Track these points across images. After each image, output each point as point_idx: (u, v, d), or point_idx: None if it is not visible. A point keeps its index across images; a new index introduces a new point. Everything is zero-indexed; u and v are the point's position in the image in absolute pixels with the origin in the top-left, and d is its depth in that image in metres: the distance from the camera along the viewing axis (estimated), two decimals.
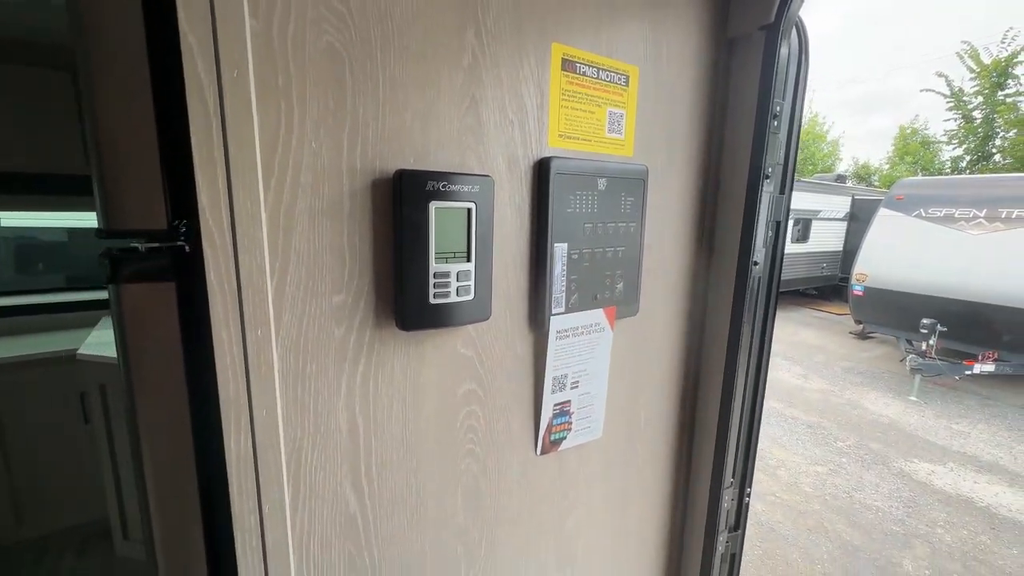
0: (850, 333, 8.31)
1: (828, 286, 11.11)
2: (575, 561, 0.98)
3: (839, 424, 4.75)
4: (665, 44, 0.87)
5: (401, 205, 0.62)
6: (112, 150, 0.54)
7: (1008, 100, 12.67)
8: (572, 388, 0.87)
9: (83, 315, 2.54)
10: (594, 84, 0.79)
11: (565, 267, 0.80)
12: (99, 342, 2.09)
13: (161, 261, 0.57)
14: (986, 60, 12.79)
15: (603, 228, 0.84)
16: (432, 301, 0.66)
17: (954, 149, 14.55)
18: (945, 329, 5.72)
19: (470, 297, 0.69)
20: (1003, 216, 5.81)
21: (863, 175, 21.32)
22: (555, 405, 0.86)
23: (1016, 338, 5.53)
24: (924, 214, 6.49)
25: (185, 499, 0.61)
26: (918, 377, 5.56)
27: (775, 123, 0.92)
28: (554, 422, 0.86)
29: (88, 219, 2.79)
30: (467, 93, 0.67)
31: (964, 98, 13.51)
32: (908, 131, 18.27)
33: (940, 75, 13.65)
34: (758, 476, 3.69)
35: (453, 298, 0.68)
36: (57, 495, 2.25)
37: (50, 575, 2.13)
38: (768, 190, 0.95)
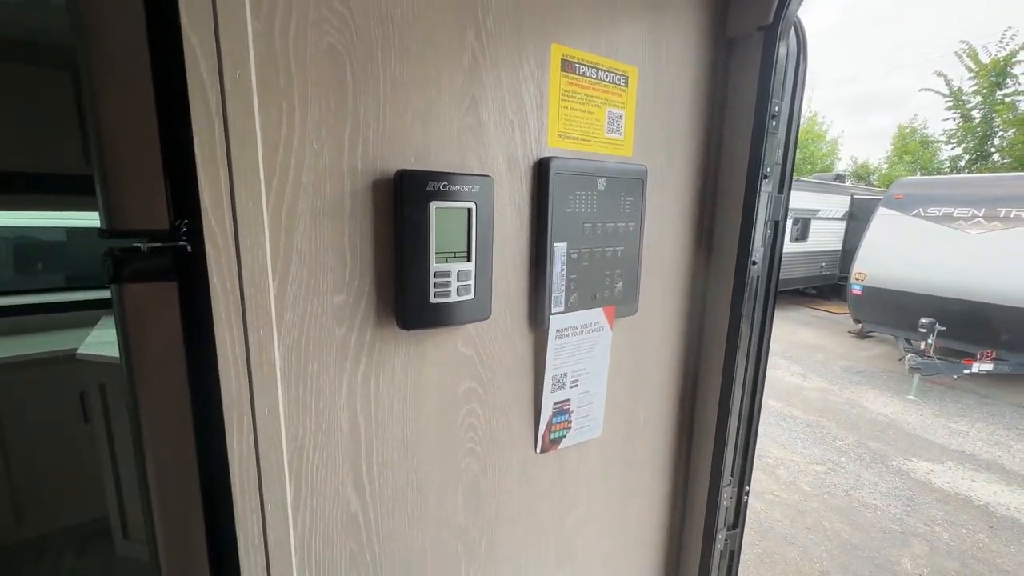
0: (849, 332, 8.32)
1: (827, 285, 11.12)
2: (575, 559, 0.99)
3: (838, 423, 4.76)
4: (664, 45, 0.87)
5: (402, 205, 0.62)
6: (114, 151, 0.55)
7: (1007, 99, 12.70)
8: (572, 387, 0.88)
9: (82, 315, 2.54)
10: (593, 84, 0.80)
11: (564, 266, 0.81)
12: (99, 342, 2.10)
13: (163, 261, 0.57)
14: (985, 60, 12.81)
15: (602, 228, 0.84)
16: (433, 300, 0.66)
17: (953, 148, 14.60)
18: (944, 328, 5.74)
19: (470, 296, 0.70)
20: (1001, 215, 5.82)
21: (862, 174, 21.34)
22: (555, 404, 0.86)
23: (1014, 337, 5.55)
24: (923, 213, 6.51)
25: (187, 498, 0.61)
26: (917, 376, 5.58)
27: (773, 123, 0.92)
28: (554, 420, 0.87)
29: (87, 219, 2.79)
30: (467, 93, 0.67)
31: (963, 97, 13.54)
32: (907, 130, 18.31)
33: (939, 74, 13.69)
34: (757, 475, 3.70)
35: (453, 297, 0.68)
36: (57, 495, 2.25)
37: (50, 574, 2.14)
38: (766, 190, 0.95)
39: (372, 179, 0.61)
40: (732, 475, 1.09)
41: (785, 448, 4.22)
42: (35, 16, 1.93)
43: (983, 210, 5.98)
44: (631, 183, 0.86)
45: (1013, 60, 12.42)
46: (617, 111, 0.84)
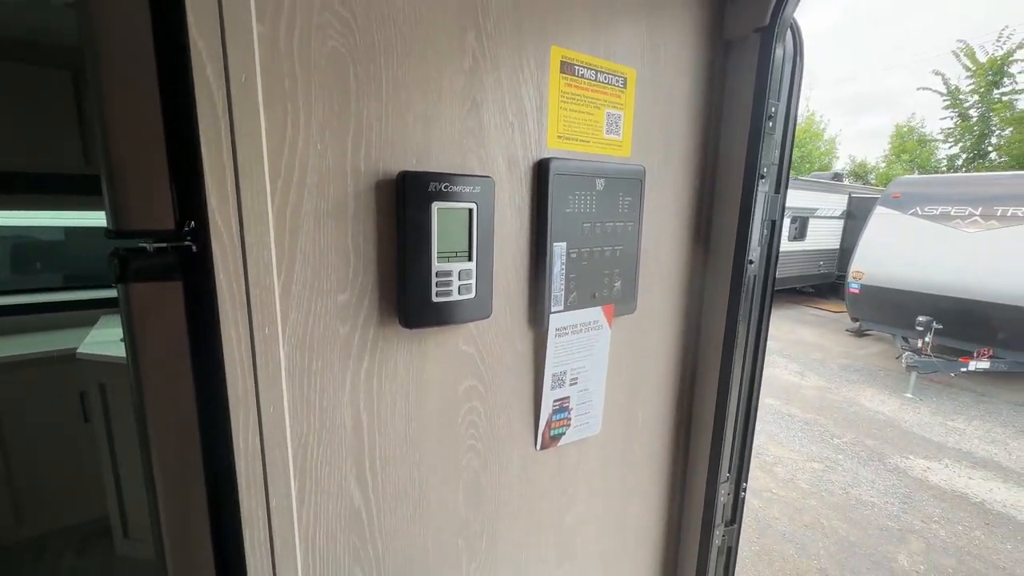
0: (847, 331, 8.35)
1: (825, 284, 11.15)
2: (574, 556, 1.00)
3: (836, 421, 4.78)
4: (662, 46, 0.88)
5: (404, 206, 0.63)
6: (120, 153, 0.55)
7: (1004, 98, 12.73)
8: (571, 384, 0.89)
9: (80, 314, 2.55)
10: (592, 86, 0.81)
11: (564, 266, 0.82)
12: (98, 341, 2.10)
13: (168, 261, 0.58)
14: (982, 59, 12.84)
15: (601, 227, 0.85)
16: (434, 299, 0.67)
17: (950, 147, 14.63)
18: (941, 326, 5.76)
19: (471, 295, 0.71)
20: (998, 214, 5.85)
21: (860, 173, 21.38)
22: (554, 401, 0.87)
23: (1011, 335, 5.57)
24: (920, 212, 6.53)
25: (193, 496, 0.62)
26: (914, 374, 5.60)
27: (770, 124, 0.93)
28: (553, 418, 0.88)
29: (85, 218, 2.79)
30: (468, 96, 0.68)
31: (960, 96, 13.57)
32: (905, 129, 18.33)
33: (937, 73, 13.71)
34: (755, 473, 3.72)
35: (455, 296, 0.69)
36: (57, 494, 2.25)
37: (50, 574, 2.14)
38: (763, 189, 0.96)
39: (375, 180, 0.62)
40: (729, 471, 1.10)
41: (783, 446, 4.24)
42: (35, 16, 1.93)
43: (980, 209, 6.00)
44: (629, 183, 0.87)
45: (1010, 59, 12.45)
46: (616, 112, 0.85)
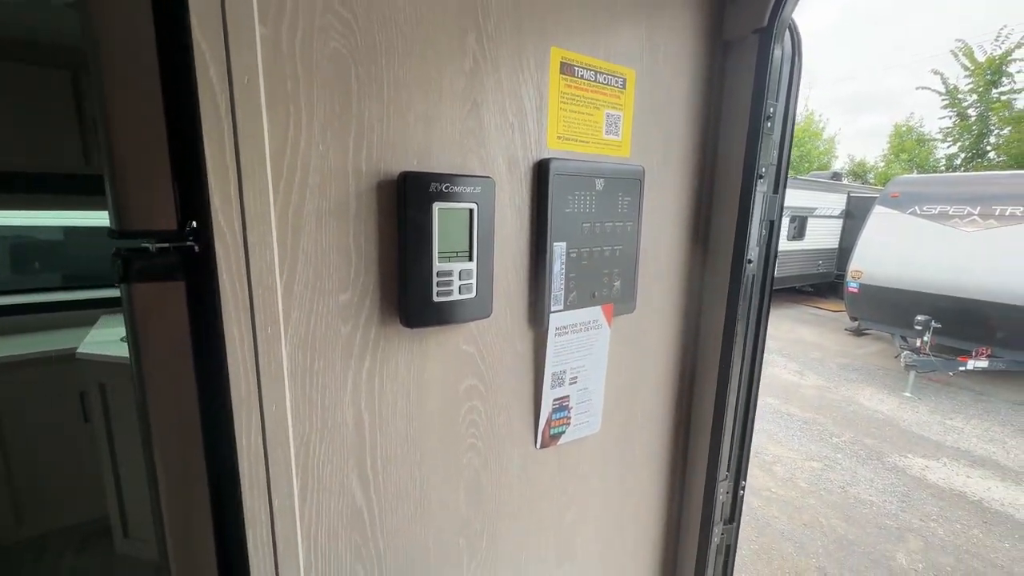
0: (845, 330, 8.36)
1: (824, 283, 11.17)
2: (574, 555, 1.00)
3: (835, 420, 4.79)
4: (661, 47, 0.88)
5: (405, 206, 0.63)
6: (123, 153, 0.56)
7: (1002, 97, 12.76)
8: (571, 383, 0.89)
9: (80, 314, 2.55)
10: (592, 87, 0.81)
11: (564, 266, 0.82)
12: (98, 341, 2.10)
13: (171, 261, 0.58)
14: (980, 58, 12.86)
15: (601, 227, 0.86)
16: (435, 299, 0.68)
17: (949, 147, 14.65)
18: (939, 325, 5.78)
19: (472, 295, 0.71)
20: (997, 213, 5.86)
21: (859, 172, 21.41)
22: (554, 400, 0.88)
23: (1009, 334, 5.59)
24: (919, 211, 6.54)
25: (195, 495, 0.63)
26: (912, 373, 5.61)
27: (768, 124, 0.94)
28: (553, 416, 0.88)
29: (84, 218, 2.79)
30: (468, 97, 0.68)
31: (959, 96, 13.59)
32: (903, 129, 18.35)
33: (936, 72, 13.73)
34: (754, 472, 3.73)
35: (456, 296, 0.69)
36: (57, 494, 2.26)
37: (50, 573, 2.14)
38: (762, 190, 0.97)
39: (376, 180, 0.63)
40: (728, 470, 1.10)
41: (782, 445, 4.25)
42: (35, 16, 1.93)
43: (978, 208, 6.01)
44: (629, 183, 0.88)
45: (1008, 58, 12.48)
46: (615, 113, 0.85)
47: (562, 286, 0.83)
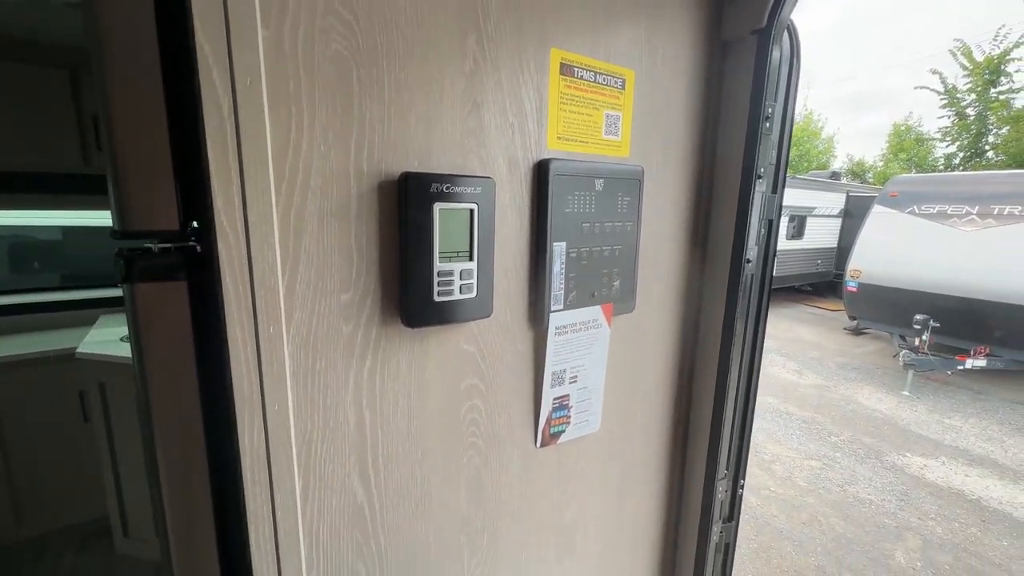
0: (844, 329, 8.37)
1: (823, 282, 11.18)
2: (574, 551, 1.01)
3: (833, 419, 4.80)
4: (660, 48, 0.89)
5: (406, 207, 0.64)
6: (126, 154, 0.56)
7: (1001, 97, 12.77)
8: (571, 383, 0.90)
9: (80, 314, 2.55)
10: (591, 87, 0.81)
11: (564, 265, 0.83)
12: (98, 340, 2.10)
13: (173, 261, 0.59)
14: (979, 58, 12.87)
15: (600, 227, 0.86)
16: (436, 299, 0.68)
17: (948, 146, 14.66)
18: (938, 325, 5.78)
19: (472, 295, 0.72)
20: (995, 213, 5.87)
21: (858, 172, 21.42)
22: (554, 399, 0.88)
23: (1007, 333, 5.60)
24: (918, 211, 6.55)
25: (198, 494, 0.63)
26: (911, 372, 5.62)
27: (767, 124, 0.94)
28: (553, 415, 0.89)
29: (83, 218, 2.79)
30: (469, 97, 0.69)
31: (957, 95, 13.60)
32: (902, 128, 18.36)
33: (934, 72, 13.74)
34: (753, 471, 3.74)
35: (456, 296, 0.70)
36: (57, 494, 2.26)
37: (50, 573, 2.14)
38: (760, 189, 0.97)
39: (377, 181, 0.63)
40: (727, 468, 1.11)
41: (781, 444, 4.26)
42: (35, 16, 1.93)
43: (977, 207, 6.02)
44: (628, 184, 0.88)
45: (1007, 58, 12.49)
46: (615, 113, 0.86)
47: (562, 286, 0.83)
